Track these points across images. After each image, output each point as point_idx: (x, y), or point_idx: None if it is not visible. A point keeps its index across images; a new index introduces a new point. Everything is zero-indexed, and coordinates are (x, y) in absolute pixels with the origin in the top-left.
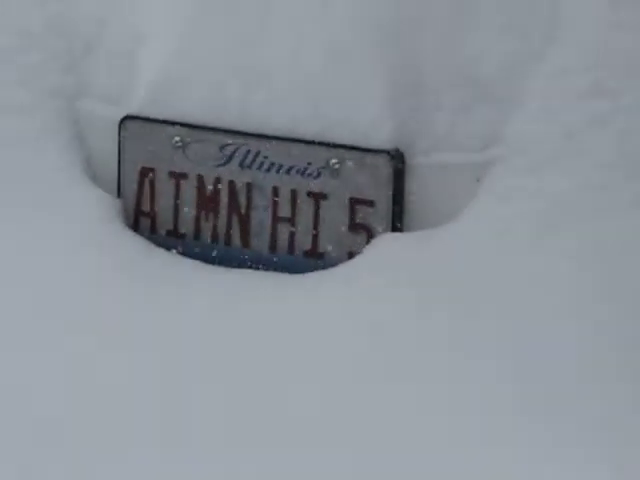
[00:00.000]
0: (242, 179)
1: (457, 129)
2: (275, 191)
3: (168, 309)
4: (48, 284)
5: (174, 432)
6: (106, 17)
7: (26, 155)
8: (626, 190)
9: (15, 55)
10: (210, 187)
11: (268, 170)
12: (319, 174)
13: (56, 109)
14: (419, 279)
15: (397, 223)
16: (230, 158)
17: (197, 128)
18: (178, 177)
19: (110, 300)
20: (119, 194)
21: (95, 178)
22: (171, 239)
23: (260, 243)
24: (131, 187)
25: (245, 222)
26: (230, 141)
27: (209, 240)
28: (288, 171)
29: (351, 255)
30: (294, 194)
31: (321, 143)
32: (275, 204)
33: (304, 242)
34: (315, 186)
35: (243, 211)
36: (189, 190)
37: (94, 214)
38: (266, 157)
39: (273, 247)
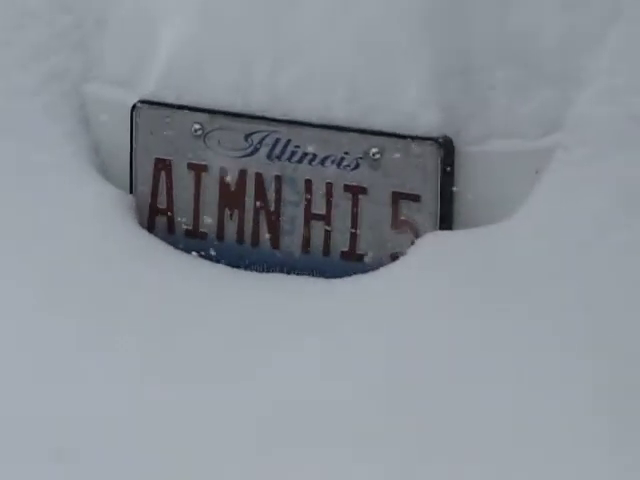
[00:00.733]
0: (270, 171)
1: (512, 113)
2: (308, 185)
3: (186, 325)
4: (48, 296)
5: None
6: None
7: (25, 144)
8: None
9: (15, 33)
10: (234, 181)
11: (300, 161)
12: (357, 165)
13: (60, 92)
14: (472, 282)
15: (446, 220)
16: (257, 148)
17: (219, 114)
18: (198, 169)
19: (121, 318)
20: (131, 189)
21: (103, 171)
22: (191, 240)
23: (291, 243)
24: (145, 181)
25: (274, 220)
26: (257, 128)
27: (234, 241)
28: (322, 162)
29: (394, 257)
30: (329, 188)
31: (359, 130)
32: (308, 200)
33: (341, 242)
34: (353, 179)
35: (272, 208)
36: (211, 184)
37: (102, 212)
38: (297, 146)
39: (306, 248)
